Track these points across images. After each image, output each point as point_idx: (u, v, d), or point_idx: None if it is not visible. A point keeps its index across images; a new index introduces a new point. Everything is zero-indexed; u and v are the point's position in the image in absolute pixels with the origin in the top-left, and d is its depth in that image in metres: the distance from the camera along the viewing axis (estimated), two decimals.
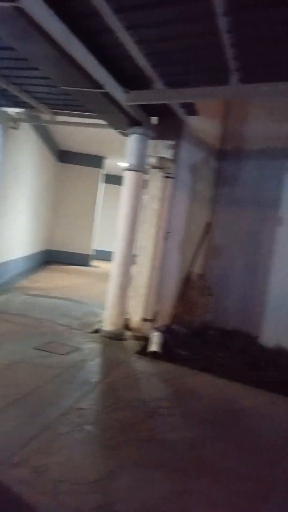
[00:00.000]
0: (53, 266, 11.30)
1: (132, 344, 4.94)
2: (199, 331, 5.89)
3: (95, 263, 12.97)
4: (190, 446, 2.82)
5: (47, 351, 4.20)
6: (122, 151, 9.58)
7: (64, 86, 4.16)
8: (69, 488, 2.18)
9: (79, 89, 4.08)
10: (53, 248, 12.36)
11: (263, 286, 6.11)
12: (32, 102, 5.80)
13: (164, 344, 4.90)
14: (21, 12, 2.80)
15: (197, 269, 6.41)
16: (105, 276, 10.32)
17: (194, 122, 5.65)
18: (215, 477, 2.50)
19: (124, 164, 5.15)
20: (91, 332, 5.10)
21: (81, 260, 12.43)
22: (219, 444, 2.92)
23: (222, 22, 3.21)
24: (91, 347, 4.55)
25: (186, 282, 6.13)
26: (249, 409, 3.64)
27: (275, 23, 3.24)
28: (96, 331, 5.13)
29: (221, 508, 2.25)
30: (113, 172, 13.28)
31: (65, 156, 12.16)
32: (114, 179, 13.69)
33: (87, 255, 12.62)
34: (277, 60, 3.75)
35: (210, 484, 2.43)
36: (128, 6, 3.20)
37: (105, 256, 14.40)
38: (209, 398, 3.72)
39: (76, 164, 12.21)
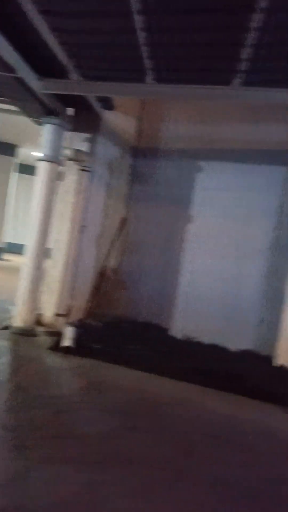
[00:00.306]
0: None
1: (44, 340, 4.82)
2: (113, 325, 5.95)
3: (6, 256, 12.36)
4: (104, 438, 2.83)
5: None
6: (38, 140, 9.26)
7: None
8: None
9: None
10: None
11: (174, 280, 6.38)
12: None
13: (78, 339, 4.86)
14: None
15: (112, 264, 6.46)
16: (17, 270, 9.90)
17: (112, 118, 5.66)
18: (129, 467, 2.55)
19: (38, 154, 4.98)
20: (0, 329, 4.87)
21: None
22: (134, 434, 2.98)
23: (138, 21, 3.26)
24: None
25: (101, 276, 6.14)
26: (162, 398, 3.76)
27: (189, 30, 3.39)
28: (6, 328, 4.91)
29: (134, 496, 2.29)
30: (28, 162, 12.73)
31: None
32: (29, 169, 13.13)
33: None
34: (191, 64, 3.92)
35: (124, 474, 2.47)
36: None
37: (18, 249, 13.80)
38: (123, 389, 3.79)
39: None
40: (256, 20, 3.09)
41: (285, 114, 5.89)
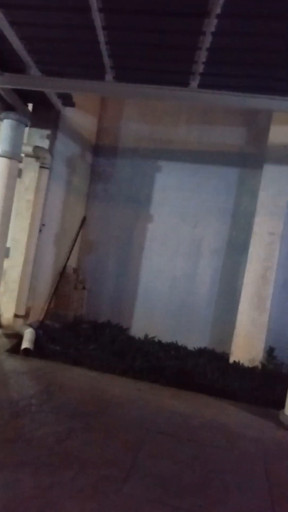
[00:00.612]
0: None
1: (2, 342, 4.69)
2: (73, 325, 5.88)
3: None
4: (58, 440, 2.80)
5: None
6: None
7: None
8: None
9: None
10: None
11: (134, 280, 6.41)
12: None
13: (37, 340, 4.77)
14: None
15: (72, 263, 6.38)
16: None
17: (72, 115, 5.60)
18: (81, 467, 2.54)
19: None
20: None
21: None
22: (87, 434, 2.97)
23: (98, 18, 3.24)
24: None
25: (61, 276, 6.05)
26: (118, 397, 3.78)
27: (149, 31, 3.41)
28: None
29: (86, 494, 2.29)
30: None
31: None
32: None
33: None
34: (150, 65, 3.95)
35: (76, 474, 2.46)
36: None
37: None
38: (80, 390, 3.76)
39: None
40: (211, 24, 3.16)
41: (239, 118, 6.09)
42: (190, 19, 3.19)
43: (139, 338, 5.96)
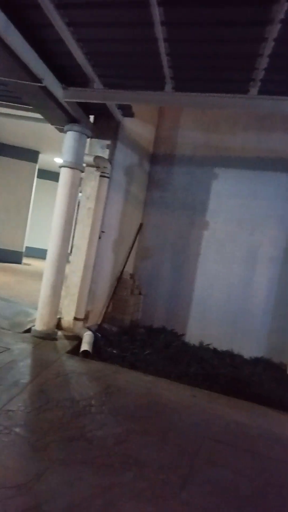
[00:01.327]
0: None
1: (63, 344, 4.90)
2: (129, 329, 6.00)
3: (26, 260, 12.58)
4: (117, 442, 2.89)
5: None
6: (58, 146, 9.43)
7: (1, 76, 4.02)
8: None
9: (16, 80, 3.97)
10: None
11: (189, 286, 6.42)
12: None
13: (95, 343, 4.93)
14: None
15: (128, 269, 6.52)
16: (36, 274, 10.10)
17: (130, 125, 5.76)
18: (139, 470, 2.60)
19: (60, 161, 5.09)
20: (22, 332, 4.97)
21: (12, 257, 11.98)
22: (144, 437, 3.03)
23: (160, 31, 3.33)
24: (21, 348, 4.44)
25: (118, 282, 6.21)
26: (173, 403, 3.81)
27: (206, 41, 3.45)
28: (27, 331, 5.01)
29: (145, 497, 2.35)
30: (46, 167, 12.96)
31: None
32: (48, 175, 13.36)
33: (19, 252, 12.20)
34: (210, 74, 3.98)
35: (134, 476, 2.52)
36: (69, 3, 3.21)
37: (36, 253, 14.04)
38: (137, 394, 3.84)
39: (9, 157, 11.74)
40: (274, 31, 3.14)
41: None
42: (252, 28, 3.19)
43: (193, 344, 5.96)
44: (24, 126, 8.85)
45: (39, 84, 3.98)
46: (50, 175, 13.32)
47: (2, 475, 2.30)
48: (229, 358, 5.60)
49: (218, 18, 3.15)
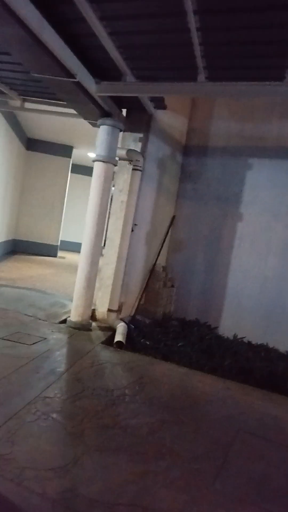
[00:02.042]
0: (18, 256, 11.13)
1: (97, 335, 5.00)
2: (162, 322, 6.03)
3: (60, 254, 12.87)
4: (151, 431, 2.93)
5: (13, 341, 4.19)
6: (90, 141, 9.55)
7: (36, 73, 4.11)
8: (35, 474, 2.23)
9: (51, 77, 4.05)
10: (19, 238, 12.15)
11: (222, 279, 6.35)
12: (2, 87, 5.67)
13: (128, 334, 5.00)
14: None
15: (161, 261, 6.54)
16: (70, 267, 10.33)
17: (162, 117, 5.74)
18: (173, 459, 2.64)
19: (93, 155, 5.15)
20: (58, 323, 5.11)
21: (47, 250, 12.30)
22: (178, 428, 3.06)
23: (192, 21, 3.29)
24: (57, 338, 4.57)
25: (151, 274, 6.24)
26: (207, 395, 3.81)
27: (241, 28, 3.37)
28: (63, 322, 5.15)
29: (178, 486, 2.38)
30: (79, 162, 13.14)
31: (33, 144, 11.95)
32: (81, 169, 13.56)
33: (54, 246, 12.50)
34: (244, 62, 3.89)
35: (168, 464, 2.56)
36: None
37: (69, 246, 14.31)
38: (170, 385, 3.87)
39: (44, 152, 12.02)
40: None
41: None
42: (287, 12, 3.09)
43: (227, 337, 5.91)
44: (58, 122, 9.01)
45: (73, 80, 4.04)
46: (83, 170, 13.52)
47: (41, 458, 2.39)
48: (264, 351, 5.52)
49: (252, 4, 3.07)
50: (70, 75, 3.99)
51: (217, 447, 2.88)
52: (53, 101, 5.96)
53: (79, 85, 4.19)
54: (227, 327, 6.17)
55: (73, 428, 2.79)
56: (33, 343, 4.23)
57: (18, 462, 2.31)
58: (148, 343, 4.97)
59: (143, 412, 3.21)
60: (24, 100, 6.23)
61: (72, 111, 5.49)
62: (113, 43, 3.87)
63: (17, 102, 6.27)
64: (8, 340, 4.20)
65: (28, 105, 6.35)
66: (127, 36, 3.79)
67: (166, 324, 5.94)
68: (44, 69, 3.98)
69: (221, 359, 4.81)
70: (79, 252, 5.20)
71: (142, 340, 5.02)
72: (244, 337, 5.87)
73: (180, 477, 2.46)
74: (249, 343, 5.79)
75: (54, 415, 2.89)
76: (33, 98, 6.16)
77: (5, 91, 5.82)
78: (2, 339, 4.21)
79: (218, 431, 3.14)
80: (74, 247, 13.90)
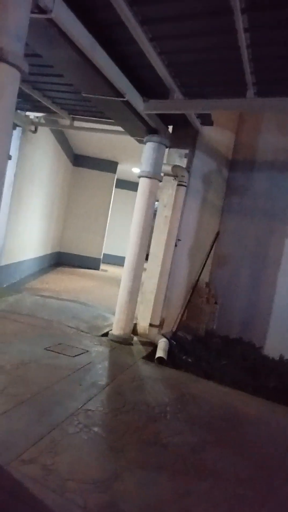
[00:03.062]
0: (62, 268, 11.42)
1: (139, 349, 5.00)
2: (204, 339, 5.93)
3: (103, 267, 13.07)
4: (192, 450, 2.86)
5: (57, 352, 4.27)
6: (135, 156, 9.72)
7: (86, 93, 4.27)
8: (76, 486, 2.24)
9: (101, 96, 4.18)
10: (63, 251, 12.49)
11: (268, 296, 6.15)
12: (53, 107, 5.94)
13: (170, 350, 4.95)
14: (52, 23, 2.92)
15: (204, 277, 6.46)
16: (113, 280, 10.45)
17: (208, 132, 5.74)
18: (215, 480, 2.55)
19: (138, 171, 5.24)
20: (100, 336, 5.16)
21: (91, 263, 12.54)
22: (220, 449, 2.97)
23: (242, 38, 3.30)
24: (99, 350, 4.61)
25: (194, 290, 6.18)
26: (251, 416, 3.68)
27: None
28: (105, 335, 5.20)
29: (220, 509, 2.29)
30: (123, 177, 13.40)
31: (80, 160, 12.33)
32: (125, 184, 13.82)
33: (97, 259, 12.73)
34: None
35: (210, 486, 2.48)
36: (154, 18, 3.29)
37: (112, 260, 14.51)
38: (212, 404, 3.77)
39: (90, 168, 12.37)
40: None
41: None
42: None
43: (272, 358, 5.70)
44: (104, 138, 9.26)
45: (122, 99, 4.15)
46: (127, 185, 13.78)
47: (83, 471, 2.40)
48: None
49: None
50: (119, 94, 4.10)
51: (261, 472, 2.76)
52: (101, 119, 6.15)
53: (127, 103, 4.29)
54: (273, 346, 5.95)
55: (114, 442, 2.78)
56: (76, 355, 4.29)
57: (60, 473, 2.33)
58: (189, 360, 4.90)
59: (185, 431, 3.15)
60: (73, 119, 6.46)
61: (119, 128, 5.63)
62: (162, 62, 3.94)
63: (67, 121, 6.53)
64: (52, 351, 4.29)
65: (77, 123, 6.58)
66: (176, 54, 3.85)
67: (208, 341, 5.83)
68: (94, 89, 4.13)
69: (266, 380, 4.64)
70: (121, 265, 5.26)
71: (183, 357, 4.95)
72: None
73: (223, 501, 2.38)
74: None
75: (96, 429, 2.90)
76: (82, 117, 6.39)
77: (56, 111, 6.09)
78: (46, 349, 4.30)
79: (261, 455, 3.01)
80: (117, 261, 14.08)
